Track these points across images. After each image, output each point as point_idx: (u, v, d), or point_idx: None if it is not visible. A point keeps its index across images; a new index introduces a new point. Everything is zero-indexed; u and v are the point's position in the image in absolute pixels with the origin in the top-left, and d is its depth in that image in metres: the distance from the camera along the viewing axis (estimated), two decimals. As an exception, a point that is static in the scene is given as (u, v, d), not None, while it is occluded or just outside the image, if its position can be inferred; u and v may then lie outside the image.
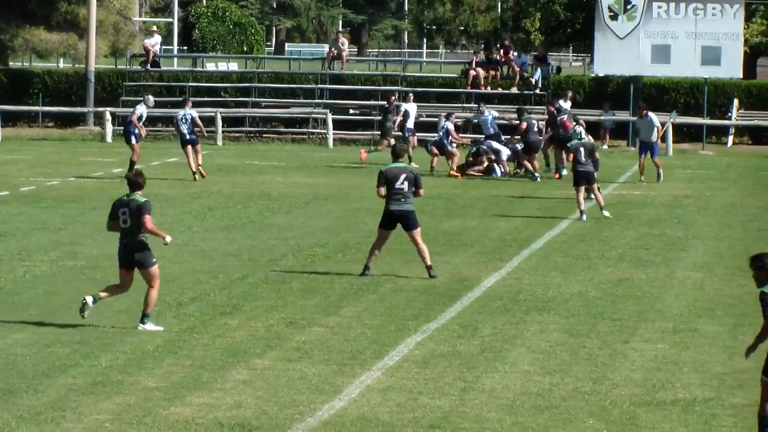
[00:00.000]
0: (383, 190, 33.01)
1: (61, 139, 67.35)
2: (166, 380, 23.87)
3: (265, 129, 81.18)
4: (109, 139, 75.89)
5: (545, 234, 42.11)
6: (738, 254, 38.57)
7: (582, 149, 46.56)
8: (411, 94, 72.72)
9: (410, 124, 67.83)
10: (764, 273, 19.38)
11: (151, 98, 61.12)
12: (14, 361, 25.09)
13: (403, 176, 32.61)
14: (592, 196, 48.02)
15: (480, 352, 26.42)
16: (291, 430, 20.93)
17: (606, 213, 46.88)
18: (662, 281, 34.15)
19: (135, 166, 52.32)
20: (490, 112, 63.77)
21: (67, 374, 24.16)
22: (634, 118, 66.16)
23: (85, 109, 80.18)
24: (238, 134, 78.01)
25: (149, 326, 27.66)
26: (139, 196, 28.10)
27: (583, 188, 46.28)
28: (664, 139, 70.84)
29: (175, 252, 37.48)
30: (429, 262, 32.68)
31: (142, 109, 58.28)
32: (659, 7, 76.19)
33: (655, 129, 56.51)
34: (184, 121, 57.14)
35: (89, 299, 27.52)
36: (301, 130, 79.85)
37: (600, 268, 36.16)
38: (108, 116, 76.89)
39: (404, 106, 69.61)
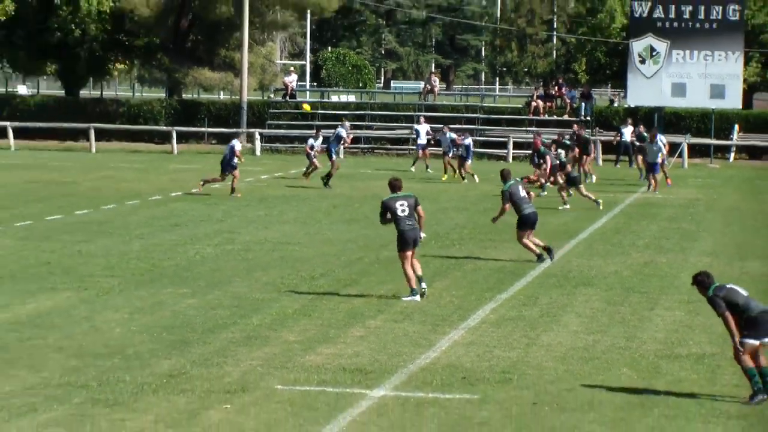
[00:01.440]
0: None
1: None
2: (302, 335, 23.99)
3: (376, 146, 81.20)
4: (257, 153, 76.17)
5: (588, 227, 41.95)
6: (738, 244, 38.57)
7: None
8: (422, 117, 71.42)
9: (422, 140, 65.48)
10: (701, 287, 19.44)
11: (347, 123, 62.76)
12: (188, 319, 25.26)
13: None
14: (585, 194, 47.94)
15: (540, 316, 26.38)
16: (397, 374, 20.96)
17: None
18: (679, 264, 33.95)
19: (331, 178, 54.16)
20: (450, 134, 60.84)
21: (227, 330, 24.31)
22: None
23: (240, 130, 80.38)
24: (355, 150, 77.98)
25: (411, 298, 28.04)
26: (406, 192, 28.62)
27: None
28: (680, 154, 71.19)
29: (309, 239, 37.72)
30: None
31: (341, 132, 58.34)
32: (677, 54, 76.47)
33: (660, 153, 55.75)
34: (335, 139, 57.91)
35: (417, 293, 27.98)
36: (403, 147, 79.80)
37: (631, 253, 35.95)
38: (257, 136, 77.24)
39: (416, 127, 68.14)
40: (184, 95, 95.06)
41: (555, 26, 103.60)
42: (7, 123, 79.83)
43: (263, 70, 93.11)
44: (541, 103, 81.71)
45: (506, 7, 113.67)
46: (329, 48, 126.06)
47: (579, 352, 22.97)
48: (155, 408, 18.51)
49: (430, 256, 33.31)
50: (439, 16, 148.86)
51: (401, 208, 28.05)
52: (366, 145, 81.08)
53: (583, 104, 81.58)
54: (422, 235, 28.75)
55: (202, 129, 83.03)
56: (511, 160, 72.69)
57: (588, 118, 79.89)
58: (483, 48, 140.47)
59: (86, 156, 71.84)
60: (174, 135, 78.30)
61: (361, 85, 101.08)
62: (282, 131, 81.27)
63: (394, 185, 28.25)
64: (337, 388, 19.92)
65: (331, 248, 36.13)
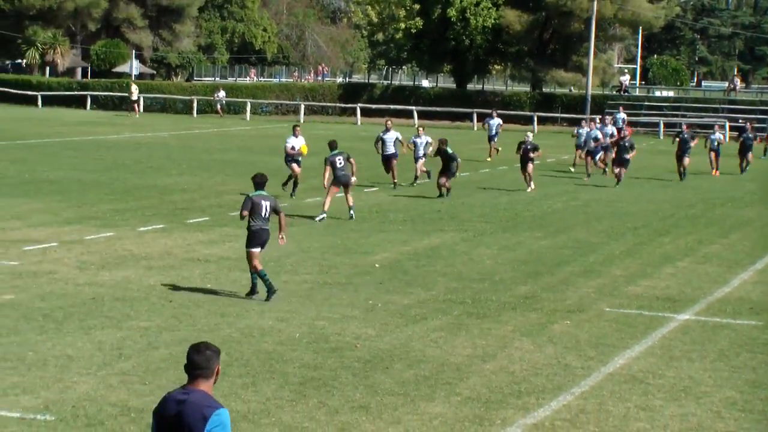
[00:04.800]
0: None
1: (569, 133, 66.47)
2: (626, 271, 23.60)
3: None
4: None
5: None
6: None
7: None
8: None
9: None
10: None
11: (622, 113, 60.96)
12: (540, 256, 25.16)
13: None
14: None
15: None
16: (698, 303, 20.50)
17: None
18: None
19: None
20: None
21: (569, 265, 24.09)
22: None
23: (585, 116, 79.82)
24: (672, 133, 76.36)
25: None
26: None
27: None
28: None
29: (634, 199, 37.17)
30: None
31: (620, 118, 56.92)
32: None
33: None
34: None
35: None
36: (707, 131, 77.56)
37: None
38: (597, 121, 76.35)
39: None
40: (544, 89, 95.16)
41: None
42: (413, 107, 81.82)
43: (604, 72, 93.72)
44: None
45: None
46: (655, 55, 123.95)
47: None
48: (513, 321, 18.55)
49: (732, 217, 32.36)
50: (741, 32, 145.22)
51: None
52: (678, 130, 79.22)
53: None
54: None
55: (557, 114, 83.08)
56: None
57: None
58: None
59: (469, 133, 72.37)
60: (535, 119, 78.52)
61: (678, 83, 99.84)
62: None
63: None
64: (651, 312, 19.62)
65: (650, 206, 35.53)
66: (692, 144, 45.03)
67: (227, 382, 14.03)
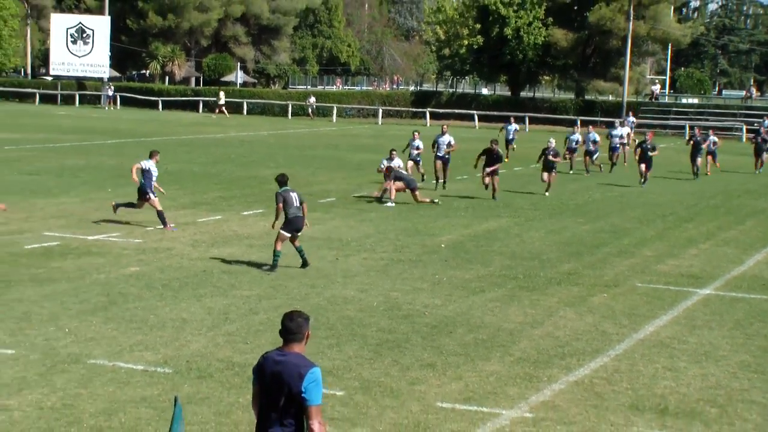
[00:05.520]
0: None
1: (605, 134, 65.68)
2: (655, 252, 23.34)
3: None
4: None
5: None
6: None
7: None
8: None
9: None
10: None
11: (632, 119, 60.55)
12: (581, 238, 24.93)
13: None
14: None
15: (817, 247, 24.92)
16: (717, 280, 20.23)
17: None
18: None
19: None
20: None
21: (606, 246, 23.85)
22: None
23: (618, 119, 79.15)
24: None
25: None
26: None
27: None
28: None
29: (662, 190, 36.67)
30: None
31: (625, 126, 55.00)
32: None
33: None
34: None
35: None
36: (727, 133, 76.16)
37: None
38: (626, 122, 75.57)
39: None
40: (586, 97, 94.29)
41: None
42: (474, 111, 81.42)
43: (638, 82, 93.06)
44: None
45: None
46: (682, 68, 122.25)
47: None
48: (558, 293, 18.44)
49: (748, 206, 31.86)
50: (757, 48, 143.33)
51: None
52: (704, 132, 78.09)
53: None
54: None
55: (597, 118, 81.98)
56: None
57: None
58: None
59: (521, 134, 71.93)
60: (578, 122, 77.38)
61: (702, 92, 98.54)
62: (647, 121, 79.09)
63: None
64: (676, 287, 19.39)
65: (677, 197, 35.12)
66: (703, 146, 43.17)
67: (315, 343, 14.10)
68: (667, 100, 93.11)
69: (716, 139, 47.10)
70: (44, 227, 23.72)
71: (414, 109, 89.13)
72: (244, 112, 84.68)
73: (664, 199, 34.24)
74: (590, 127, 45.76)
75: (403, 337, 14.92)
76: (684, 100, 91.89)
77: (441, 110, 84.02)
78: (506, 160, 46.70)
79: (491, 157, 32.67)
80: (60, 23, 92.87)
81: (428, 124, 78.68)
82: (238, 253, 21.21)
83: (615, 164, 44.78)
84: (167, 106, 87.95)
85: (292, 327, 7.33)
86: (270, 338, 14.18)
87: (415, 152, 35.57)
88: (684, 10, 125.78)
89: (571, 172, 42.71)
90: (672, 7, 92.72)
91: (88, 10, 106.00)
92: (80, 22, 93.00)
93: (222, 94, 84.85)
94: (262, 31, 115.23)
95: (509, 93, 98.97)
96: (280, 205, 19.39)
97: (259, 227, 24.85)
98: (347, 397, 11.96)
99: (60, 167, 37.39)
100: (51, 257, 20.09)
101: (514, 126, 50.46)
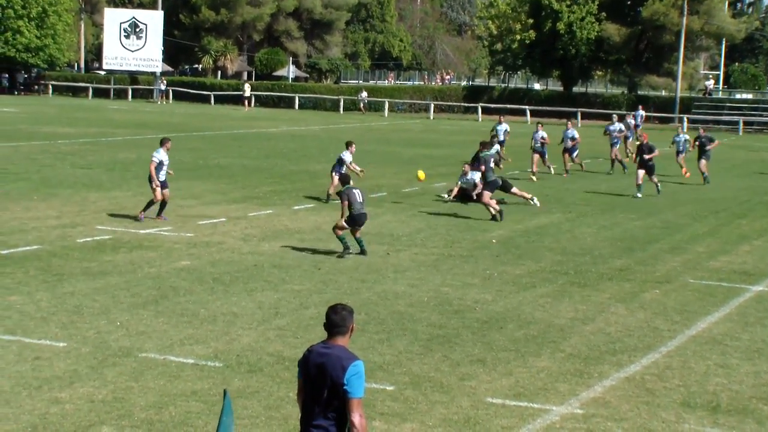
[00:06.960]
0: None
1: (653, 127, 65.33)
2: (708, 248, 23.12)
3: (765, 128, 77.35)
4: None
5: None
6: None
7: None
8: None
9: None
10: None
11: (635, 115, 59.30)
12: (633, 234, 24.77)
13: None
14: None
15: None
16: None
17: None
18: None
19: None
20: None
21: (658, 243, 23.67)
22: None
23: (675, 116, 78.46)
24: (749, 131, 74.54)
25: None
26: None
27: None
28: None
29: (716, 186, 36.26)
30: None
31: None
32: None
33: None
34: None
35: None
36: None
37: None
38: (684, 119, 74.80)
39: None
40: (638, 92, 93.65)
41: None
42: (526, 106, 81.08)
43: (691, 77, 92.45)
44: None
45: None
46: (736, 63, 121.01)
47: None
48: (610, 289, 18.31)
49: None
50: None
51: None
52: (759, 127, 77.33)
53: None
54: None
55: (650, 113, 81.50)
56: None
57: None
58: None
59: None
60: (615, 116, 77.27)
61: (756, 87, 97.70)
62: (701, 116, 78.29)
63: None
64: (729, 284, 19.21)
65: (729, 193, 34.79)
66: (709, 147, 37.83)
67: (366, 338, 14.10)
68: (720, 95, 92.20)
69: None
70: (96, 221, 23.94)
71: (466, 104, 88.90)
72: (296, 106, 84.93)
73: (717, 195, 33.90)
74: (568, 123, 41.16)
75: (454, 332, 14.88)
76: (737, 96, 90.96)
77: (493, 105, 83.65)
78: (509, 160, 39.35)
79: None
80: (113, 18, 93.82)
81: (480, 119, 78.48)
82: (288, 248, 21.27)
83: (620, 161, 41.21)
84: (219, 100, 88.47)
85: (337, 320, 7.34)
86: (320, 333, 14.12)
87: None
88: (738, 4, 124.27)
89: (565, 175, 38.98)
90: (726, 2, 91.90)
91: (142, 5, 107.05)
92: (133, 17, 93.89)
93: (248, 86, 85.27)
94: (315, 25, 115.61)
95: (561, 88, 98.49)
96: (346, 203, 20.22)
97: (309, 222, 24.91)
98: (397, 392, 11.95)
99: (112, 161, 37.75)
100: (103, 251, 20.27)
101: (504, 126, 42.75)
